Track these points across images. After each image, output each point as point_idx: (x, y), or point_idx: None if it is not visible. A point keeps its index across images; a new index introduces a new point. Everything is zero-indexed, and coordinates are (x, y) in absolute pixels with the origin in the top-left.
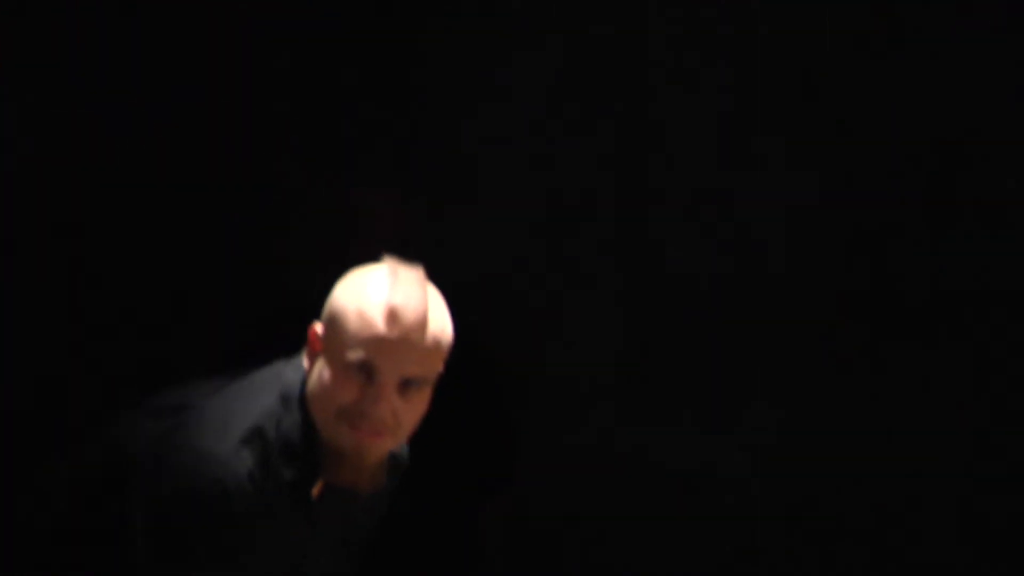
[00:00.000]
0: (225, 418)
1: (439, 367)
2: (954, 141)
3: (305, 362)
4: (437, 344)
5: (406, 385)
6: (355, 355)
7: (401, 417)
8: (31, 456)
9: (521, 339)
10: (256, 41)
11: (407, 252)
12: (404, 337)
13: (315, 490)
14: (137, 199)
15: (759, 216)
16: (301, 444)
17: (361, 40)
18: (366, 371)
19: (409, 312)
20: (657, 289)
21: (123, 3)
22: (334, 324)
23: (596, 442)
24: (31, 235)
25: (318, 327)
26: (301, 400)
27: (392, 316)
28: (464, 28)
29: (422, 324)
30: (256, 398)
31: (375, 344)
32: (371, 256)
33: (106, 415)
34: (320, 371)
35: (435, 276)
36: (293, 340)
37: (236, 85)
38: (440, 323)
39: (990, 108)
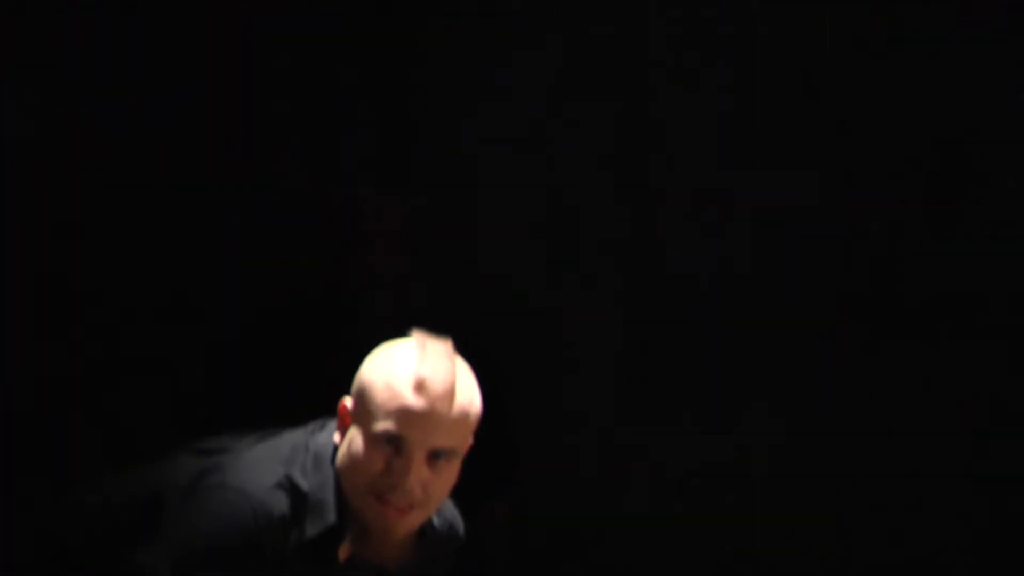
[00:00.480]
0: (261, 464)
1: (468, 439)
2: (954, 141)
3: (336, 437)
4: (466, 416)
5: (435, 457)
6: (383, 426)
7: (430, 489)
8: (31, 457)
9: (521, 339)
10: (256, 41)
11: (406, 251)
12: (432, 408)
13: (343, 553)
14: (136, 199)
15: (759, 216)
16: (329, 504)
17: (361, 40)
18: (394, 443)
19: (437, 383)
20: (657, 289)
21: (123, 3)
22: (363, 397)
23: (596, 442)
24: (31, 235)
25: (347, 401)
26: (332, 463)
27: (420, 387)
28: (464, 28)
29: (450, 395)
30: (292, 454)
31: (403, 415)
32: (371, 257)
33: (148, 454)
34: (350, 444)
35: (436, 276)
36: (291, 342)
37: (236, 85)
38: (468, 395)
39: (990, 108)
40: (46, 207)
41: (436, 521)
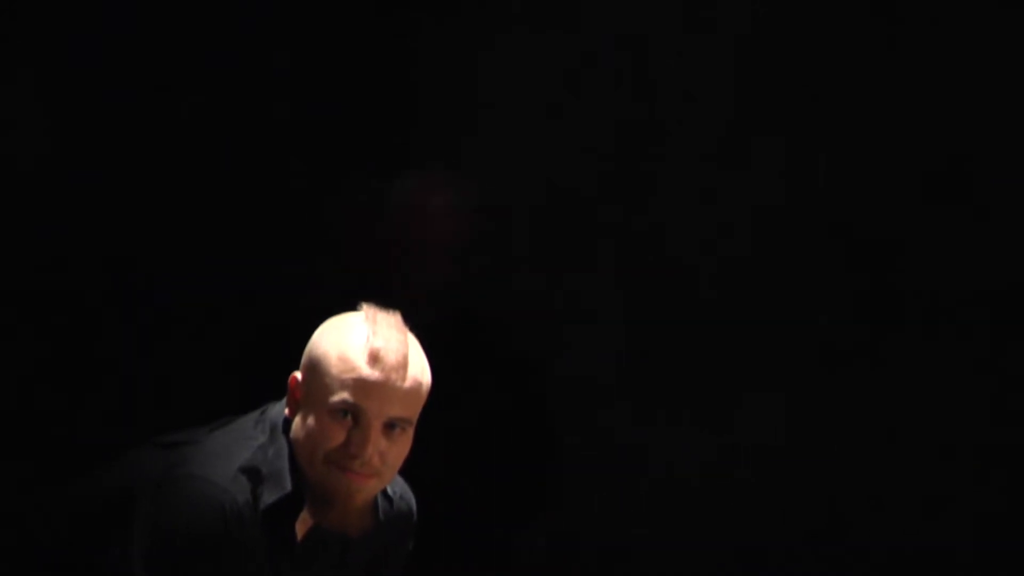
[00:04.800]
0: (222, 451)
1: (419, 409)
2: (954, 141)
3: (287, 411)
4: (419, 385)
5: (390, 427)
6: (339, 398)
7: (387, 458)
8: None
9: (521, 339)
10: (255, 42)
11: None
12: (387, 378)
13: (299, 528)
14: (131, 198)
15: (759, 216)
16: (285, 472)
17: (360, 40)
18: (352, 414)
19: (390, 353)
20: (658, 289)
21: (123, 3)
22: (315, 370)
23: (596, 443)
24: (27, 236)
25: (297, 375)
26: (284, 433)
27: (374, 357)
28: (464, 27)
29: (403, 365)
30: (252, 435)
31: (359, 386)
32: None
33: (113, 451)
34: (305, 417)
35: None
36: (287, 345)
37: (234, 87)
38: (420, 366)
39: (991, 108)
40: (42, 208)
41: (390, 490)
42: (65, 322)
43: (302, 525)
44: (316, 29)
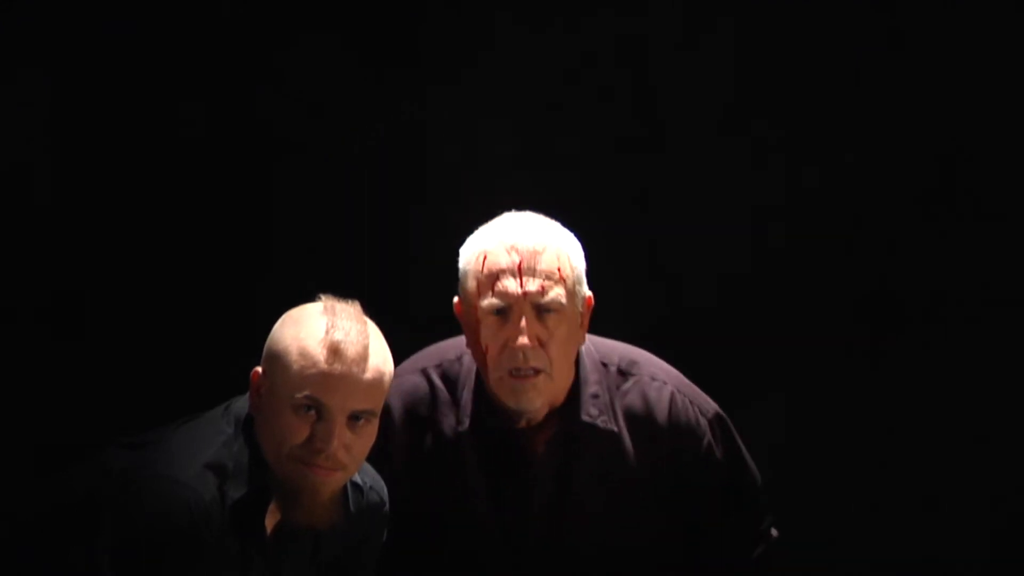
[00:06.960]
0: (188, 448)
1: (383, 399)
2: (955, 141)
3: (250, 406)
4: (381, 376)
5: (354, 419)
6: (302, 393)
7: (352, 451)
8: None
9: None
10: (253, 42)
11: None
12: (348, 372)
13: (268, 522)
14: (128, 201)
15: (759, 215)
16: (249, 465)
17: (358, 38)
18: (315, 408)
19: (351, 346)
20: (657, 289)
21: (123, 3)
22: (276, 365)
23: None
24: (21, 239)
25: (259, 370)
26: (247, 426)
27: (334, 351)
28: (463, 26)
29: (364, 357)
30: (217, 431)
31: (321, 381)
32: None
33: (83, 453)
34: (268, 414)
35: (437, 278)
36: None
37: (235, 87)
38: (382, 355)
39: (991, 107)
40: (35, 209)
41: (360, 480)
42: (36, 322)
43: (271, 519)
44: (316, 29)
